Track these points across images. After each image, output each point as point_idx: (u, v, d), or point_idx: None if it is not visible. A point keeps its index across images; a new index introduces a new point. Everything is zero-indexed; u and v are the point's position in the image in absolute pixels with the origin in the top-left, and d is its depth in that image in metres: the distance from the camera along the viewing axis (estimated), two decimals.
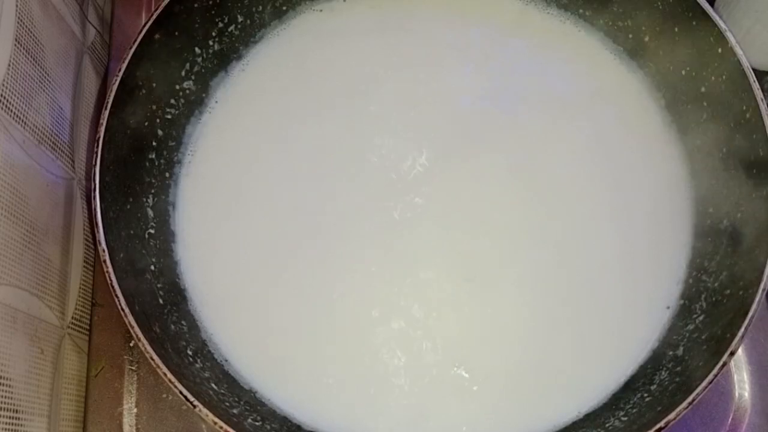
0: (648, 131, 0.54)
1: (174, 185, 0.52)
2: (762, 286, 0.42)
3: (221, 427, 0.39)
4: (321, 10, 0.58)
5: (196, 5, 0.51)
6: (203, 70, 0.54)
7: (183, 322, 0.48)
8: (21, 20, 0.47)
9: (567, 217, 0.51)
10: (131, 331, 0.41)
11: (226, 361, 0.48)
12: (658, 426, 0.40)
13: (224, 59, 0.55)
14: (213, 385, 0.45)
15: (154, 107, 0.51)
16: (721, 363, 0.41)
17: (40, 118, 0.49)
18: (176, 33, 0.51)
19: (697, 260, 0.49)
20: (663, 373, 0.46)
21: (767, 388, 0.52)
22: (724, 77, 0.48)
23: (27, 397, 0.44)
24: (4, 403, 0.41)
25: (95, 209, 0.43)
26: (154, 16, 0.48)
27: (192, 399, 0.40)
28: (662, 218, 0.51)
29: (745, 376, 0.52)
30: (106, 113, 0.45)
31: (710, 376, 0.40)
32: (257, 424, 0.44)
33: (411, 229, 0.50)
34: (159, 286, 0.47)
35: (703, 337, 0.45)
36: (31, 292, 0.46)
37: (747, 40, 0.56)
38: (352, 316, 0.48)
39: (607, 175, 0.52)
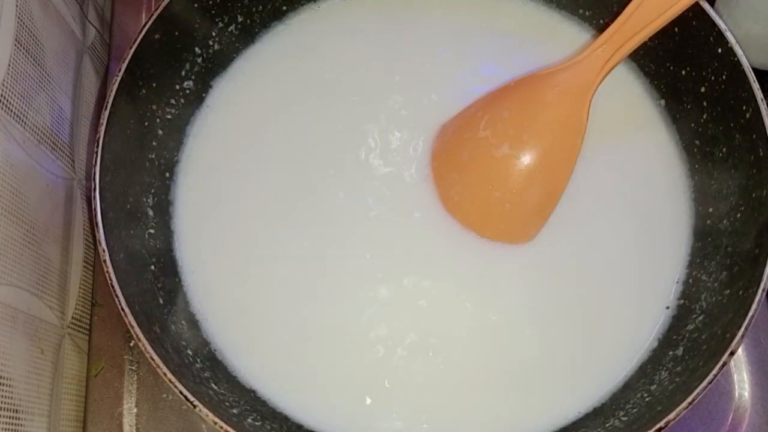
0: (647, 131, 0.54)
1: (174, 185, 0.52)
2: (762, 286, 0.42)
3: (221, 427, 0.39)
4: (320, 9, 0.58)
5: (196, 5, 0.51)
6: (203, 70, 0.54)
7: (183, 322, 0.48)
8: (21, 20, 0.47)
9: (565, 218, 0.51)
10: (131, 331, 0.41)
11: (226, 360, 0.48)
12: (658, 426, 0.40)
13: (224, 59, 0.55)
14: (213, 385, 0.45)
15: (154, 107, 0.51)
16: (721, 363, 0.41)
17: (40, 118, 0.49)
18: (176, 33, 0.51)
19: (697, 260, 0.49)
20: (663, 373, 0.46)
21: (767, 388, 0.52)
22: (724, 77, 0.48)
23: (27, 397, 0.44)
24: (4, 403, 0.41)
25: (95, 209, 0.43)
26: (154, 16, 0.48)
27: (192, 399, 0.40)
28: (662, 218, 0.51)
29: (745, 376, 0.52)
30: (106, 113, 0.45)
31: (710, 376, 0.40)
32: (257, 424, 0.44)
33: (410, 227, 0.50)
34: (159, 286, 0.47)
35: (703, 337, 0.45)
36: (31, 292, 0.46)
37: (747, 40, 0.56)
38: (353, 315, 0.48)
39: (606, 175, 0.52)
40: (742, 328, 0.41)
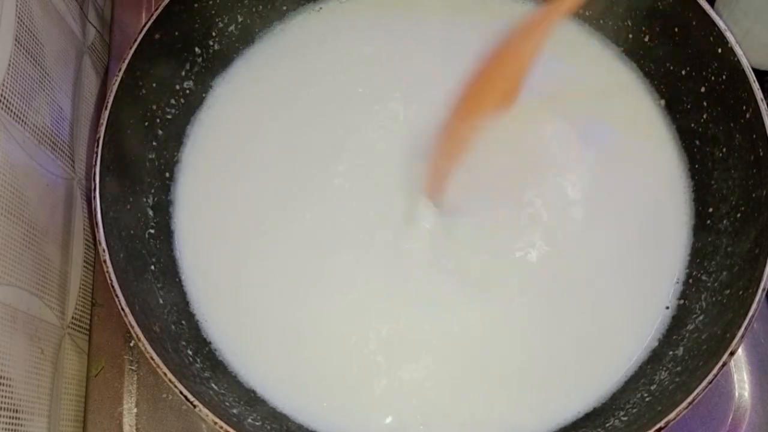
0: (648, 131, 0.54)
1: (174, 185, 0.52)
2: (762, 286, 0.42)
3: (221, 427, 0.39)
4: (320, 9, 0.58)
5: (196, 5, 0.51)
6: (203, 70, 0.54)
7: (183, 322, 0.48)
8: (21, 20, 0.47)
9: (565, 218, 0.51)
10: (131, 331, 0.41)
11: (226, 360, 0.48)
12: (658, 426, 0.40)
13: (224, 59, 0.55)
14: (213, 385, 0.45)
15: (154, 107, 0.51)
16: (721, 363, 0.41)
17: (40, 118, 0.49)
18: (176, 33, 0.51)
19: (697, 260, 0.49)
20: (663, 373, 0.46)
21: (767, 388, 0.52)
22: (724, 77, 0.48)
23: (27, 397, 0.44)
24: (4, 403, 0.41)
25: (95, 209, 0.43)
26: (154, 16, 0.48)
27: (192, 399, 0.40)
28: (662, 218, 0.51)
29: (745, 376, 0.52)
30: (106, 113, 0.45)
31: (710, 376, 0.40)
32: (257, 424, 0.44)
33: (411, 230, 0.50)
34: (159, 285, 0.47)
35: (703, 337, 0.45)
36: (31, 292, 0.46)
37: (747, 40, 0.56)
38: (352, 316, 0.48)
39: (607, 174, 0.52)
40: (742, 328, 0.41)
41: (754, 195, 0.46)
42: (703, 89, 0.50)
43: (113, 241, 0.44)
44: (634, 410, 0.44)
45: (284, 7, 0.57)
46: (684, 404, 0.40)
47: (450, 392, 0.47)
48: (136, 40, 0.47)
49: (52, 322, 0.48)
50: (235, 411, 0.44)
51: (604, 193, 0.52)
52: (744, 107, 0.46)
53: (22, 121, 0.46)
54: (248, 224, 0.51)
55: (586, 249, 0.50)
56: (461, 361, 0.47)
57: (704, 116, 0.50)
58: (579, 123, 0.53)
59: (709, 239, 0.49)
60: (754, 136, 0.46)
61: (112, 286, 0.42)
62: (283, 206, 0.51)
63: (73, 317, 0.52)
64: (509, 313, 0.49)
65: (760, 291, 0.42)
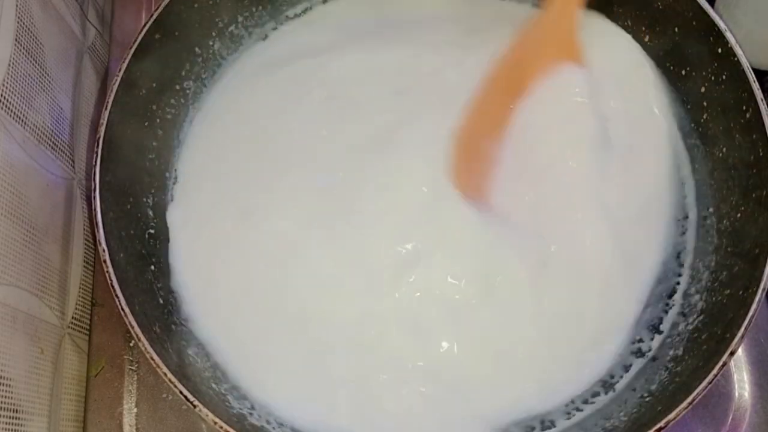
0: (647, 131, 0.53)
1: (174, 185, 0.52)
2: (762, 286, 0.42)
3: (221, 427, 0.39)
4: (325, 10, 0.58)
5: (196, 5, 0.51)
6: (203, 70, 0.54)
7: (183, 322, 0.48)
8: (21, 20, 0.47)
9: (566, 218, 0.50)
10: (131, 331, 0.41)
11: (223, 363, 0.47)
12: (658, 426, 0.40)
13: (224, 59, 0.55)
14: (213, 385, 0.45)
15: (154, 107, 0.51)
16: (721, 363, 0.41)
17: (40, 118, 0.49)
18: (176, 33, 0.51)
19: (696, 260, 0.49)
20: (663, 373, 0.46)
21: (767, 388, 0.52)
22: (724, 77, 0.48)
23: (27, 397, 0.44)
24: (4, 403, 0.41)
25: (95, 209, 0.43)
26: (154, 16, 0.48)
27: (192, 399, 0.40)
28: (662, 218, 0.51)
29: (745, 376, 0.52)
30: (106, 113, 0.45)
31: (710, 376, 0.40)
32: (257, 424, 0.44)
33: (408, 218, 0.49)
34: (159, 286, 0.47)
35: (703, 337, 0.45)
36: (31, 292, 0.46)
37: (747, 40, 0.56)
38: (352, 319, 0.48)
39: (607, 174, 0.52)
40: (742, 328, 0.41)
41: (754, 195, 0.46)
42: (703, 89, 0.50)
43: (113, 241, 0.44)
44: (634, 410, 0.44)
45: (283, 7, 0.57)
46: (684, 404, 0.40)
47: (449, 392, 0.47)
48: (136, 40, 0.47)
49: (52, 322, 0.48)
50: (235, 411, 0.44)
51: (603, 192, 0.52)
52: (744, 107, 0.46)
53: (22, 121, 0.46)
54: (249, 224, 0.51)
55: (586, 248, 0.50)
56: (461, 362, 0.47)
57: (704, 116, 0.50)
58: (578, 122, 0.53)
59: (709, 239, 0.49)
60: (754, 136, 0.46)
61: (112, 286, 0.42)
62: (284, 207, 0.51)
63: (73, 317, 0.52)
64: (509, 311, 0.48)
65: (760, 291, 0.42)
